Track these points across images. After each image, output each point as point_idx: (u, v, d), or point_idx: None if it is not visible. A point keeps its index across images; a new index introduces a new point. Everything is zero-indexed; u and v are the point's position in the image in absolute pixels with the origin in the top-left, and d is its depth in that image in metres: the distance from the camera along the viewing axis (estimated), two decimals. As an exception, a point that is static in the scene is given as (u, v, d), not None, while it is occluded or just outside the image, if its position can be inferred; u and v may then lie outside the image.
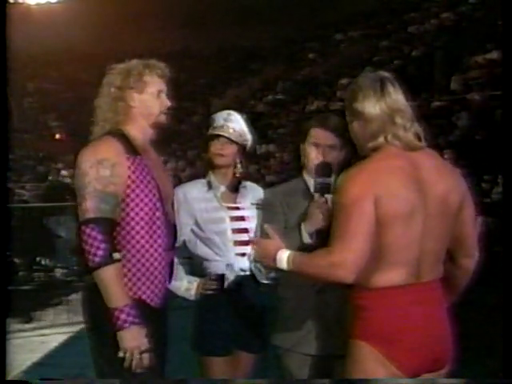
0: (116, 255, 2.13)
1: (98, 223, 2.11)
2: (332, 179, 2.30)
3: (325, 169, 2.33)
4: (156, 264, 2.25)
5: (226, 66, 24.42)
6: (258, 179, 10.28)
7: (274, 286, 2.68)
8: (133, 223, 2.21)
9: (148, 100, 2.30)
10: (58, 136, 23.18)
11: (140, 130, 2.31)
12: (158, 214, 2.25)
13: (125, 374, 2.11)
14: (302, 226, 2.31)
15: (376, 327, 1.88)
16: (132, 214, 2.21)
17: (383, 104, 1.91)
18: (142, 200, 2.22)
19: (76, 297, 6.81)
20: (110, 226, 2.15)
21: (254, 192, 2.80)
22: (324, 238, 2.17)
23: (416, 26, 16.40)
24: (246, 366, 2.76)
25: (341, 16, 21.88)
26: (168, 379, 2.32)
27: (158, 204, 2.26)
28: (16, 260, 7.12)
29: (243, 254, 2.69)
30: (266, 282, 2.73)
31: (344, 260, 1.80)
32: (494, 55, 11.42)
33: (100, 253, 2.09)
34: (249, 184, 2.84)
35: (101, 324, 2.15)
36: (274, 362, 2.51)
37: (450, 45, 13.07)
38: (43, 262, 8.03)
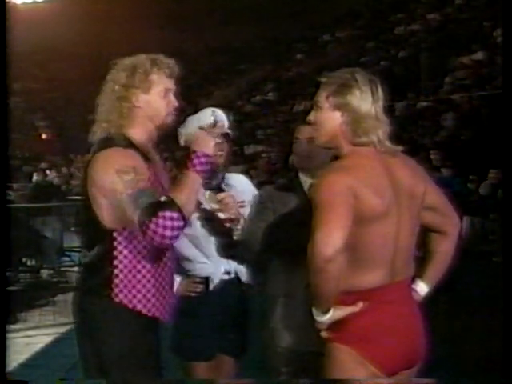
0: (163, 198, 1.97)
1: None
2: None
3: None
4: (167, 278, 2.14)
5: (214, 67, 24.41)
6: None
7: (258, 288, 2.66)
8: None
9: (154, 101, 2.13)
10: (44, 136, 23.04)
11: (145, 133, 2.15)
12: None
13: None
14: None
15: (354, 329, 1.89)
16: None
17: (377, 107, 1.96)
18: None
19: (62, 298, 6.76)
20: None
21: (238, 186, 2.74)
22: None
23: (402, 27, 16.51)
24: (229, 370, 2.73)
25: (328, 17, 21.96)
26: (156, 380, 2.29)
27: None
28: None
29: (228, 257, 2.67)
30: (250, 282, 2.71)
31: (328, 235, 1.76)
32: (480, 56, 11.53)
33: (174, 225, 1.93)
34: (231, 177, 2.74)
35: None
36: (259, 361, 2.50)
37: (436, 46, 13.17)
38: (29, 263, 7.97)
